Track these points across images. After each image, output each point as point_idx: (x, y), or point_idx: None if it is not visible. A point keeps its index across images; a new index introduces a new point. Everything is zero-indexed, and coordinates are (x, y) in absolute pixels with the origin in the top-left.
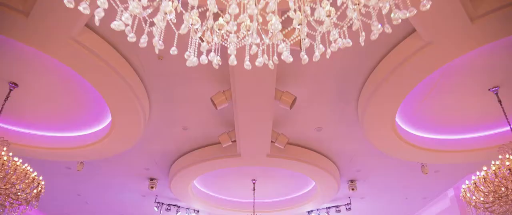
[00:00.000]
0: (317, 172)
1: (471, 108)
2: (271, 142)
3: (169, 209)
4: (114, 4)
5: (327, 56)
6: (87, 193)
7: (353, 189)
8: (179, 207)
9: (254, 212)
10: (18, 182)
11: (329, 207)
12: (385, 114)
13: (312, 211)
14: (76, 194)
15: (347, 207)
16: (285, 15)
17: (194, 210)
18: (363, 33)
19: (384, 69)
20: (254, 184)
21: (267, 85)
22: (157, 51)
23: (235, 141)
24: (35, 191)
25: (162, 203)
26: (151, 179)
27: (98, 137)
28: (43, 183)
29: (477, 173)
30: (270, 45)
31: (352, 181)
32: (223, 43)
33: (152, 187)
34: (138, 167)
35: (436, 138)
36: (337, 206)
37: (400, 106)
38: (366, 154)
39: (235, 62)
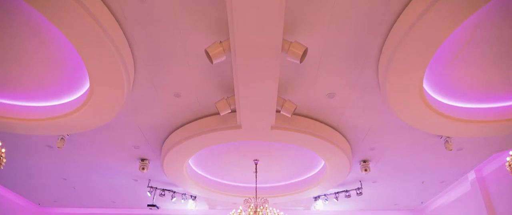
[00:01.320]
0: (329, 149)
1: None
2: (276, 111)
3: (164, 195)
4: None
5: None
6: (73, 177)
7: (366, 170)
8: (174, 192)
9: (256, 196)
10: None
11: (338, 192)
12: (412, 73)
13: (319, 196)
14: (61, 178)
15: (358, 192)
16: None
17: (191, 196)
18: None
19: (413, 11)
20: (256, 164)
21: (273, 32)
22: None
23: (235, 111)
24: None
25: (156, 188)
26: (142, 160)
27: (76, 105)
28: (3, 150)
29: None
30: None
31: (364, 161)
32: None
33: (143, 168)
34: (127, 146)
35: (467, 107)
36: (346, 191)
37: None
38: (383, 129)
39: None
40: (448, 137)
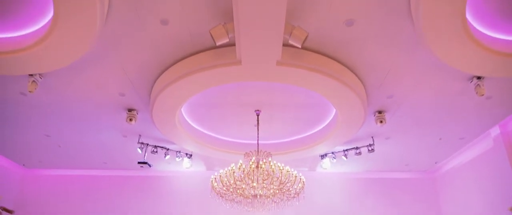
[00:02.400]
0: (342, 93)
1: None
2: (283, 46)
3: (156, 152)
4: None
5: None
6: (57, 133)
7: (381, 122)
8: (167, 149)
9: (258, 149)
10: None
11: (347, 149)
12: None
13: (326, 154)
14: (43, 134)
15: (370, 149)
16: None
17: (186, 154)
18: None
19: None
20: (258, 115)
21: None
22: None
23: (233, 45)
24: None
25: (147, 144)
26: (130, 110)
27: (40, 35)
28: None
29: None
30: None
31: (380, 112)
32: None
33: (130, 119)
34: (111, 93)
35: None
36: (357, 148)
37: None
38: (406, 70)
39: None
40: (480, 80)
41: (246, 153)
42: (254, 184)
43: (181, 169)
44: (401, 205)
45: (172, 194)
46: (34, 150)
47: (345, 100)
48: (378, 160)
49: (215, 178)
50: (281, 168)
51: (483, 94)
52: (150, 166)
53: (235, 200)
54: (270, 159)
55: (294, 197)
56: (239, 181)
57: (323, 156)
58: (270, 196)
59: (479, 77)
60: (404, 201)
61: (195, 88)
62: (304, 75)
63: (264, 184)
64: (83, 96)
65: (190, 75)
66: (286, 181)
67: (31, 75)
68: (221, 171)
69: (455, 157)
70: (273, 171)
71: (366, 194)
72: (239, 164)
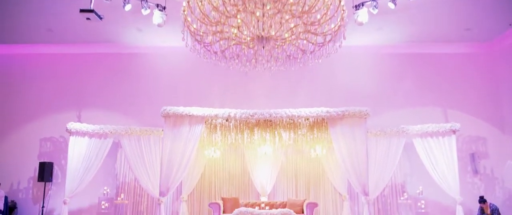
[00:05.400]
0: None
1: None
2: None
3: None
4: None
5: None
6: None
7: None
8: None
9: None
10: None
11: None
12: None
13: (363, 3)
14: None
15: None
16: None
17: (158, 5)
18: None
19: None
20: None
21: None
22: None
23: None
24: None
25: None
26: None
27: None
28: None
29: None
30: None
31: None
32: None
33: None
34: None
35: None
36: None
37: None
38: None
39: None
40: None
41: None
42: (258, 14)
43: (159, 43)
44: (445, 90)
45: (153, 74)
46: None
47: None
48: (429, 21)
49: (188, 3)
50: None
51: None
52: (100, 18)
53: (228, 55)
54: None
55: (325, 43)
56: (232, 5)
57: (359, 6)
58: (286, 40)
59: None
60: (450, 84)
61: None
62: None
63: (276, 7)
64: None
65: None
66: (313, 7)
67: None
68: None
69: None
70: None
71: (402, 74)
72: None
